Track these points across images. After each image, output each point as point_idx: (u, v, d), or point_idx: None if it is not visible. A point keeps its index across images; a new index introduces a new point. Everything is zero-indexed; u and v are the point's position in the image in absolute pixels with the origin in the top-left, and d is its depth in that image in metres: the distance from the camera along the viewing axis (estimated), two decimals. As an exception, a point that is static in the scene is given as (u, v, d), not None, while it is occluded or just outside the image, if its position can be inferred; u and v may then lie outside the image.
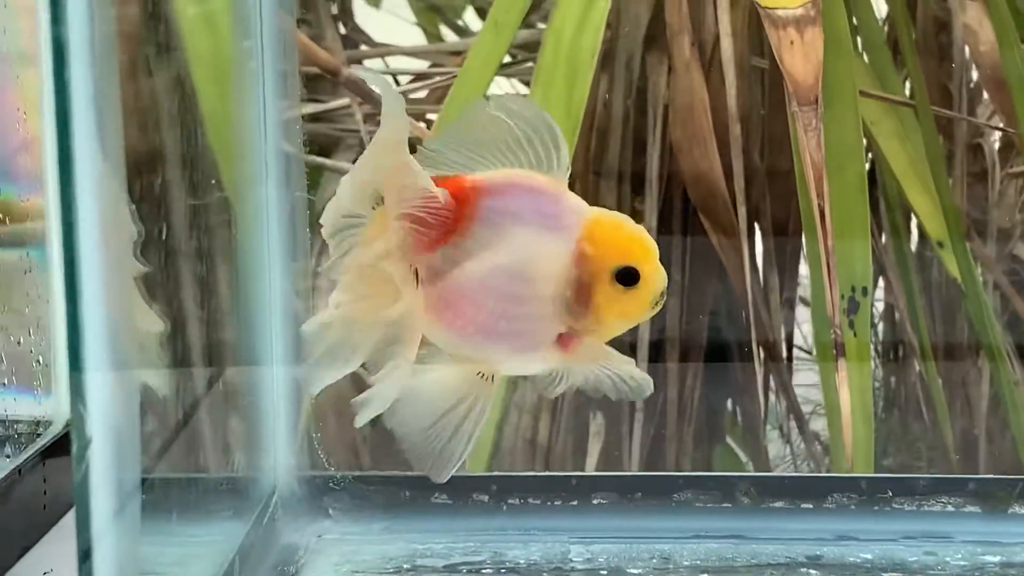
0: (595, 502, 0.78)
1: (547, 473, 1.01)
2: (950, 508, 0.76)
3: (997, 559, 0.73)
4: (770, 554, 0.75)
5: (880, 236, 1.41)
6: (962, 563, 0.73)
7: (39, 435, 0.82)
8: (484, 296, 0.58)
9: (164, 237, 0.64)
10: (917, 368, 1.42)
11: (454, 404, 0.59)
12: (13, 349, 0.80)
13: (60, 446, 0.84)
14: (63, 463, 0.85)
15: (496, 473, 0.81)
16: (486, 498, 0.77)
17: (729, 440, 1.36)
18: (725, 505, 0.77)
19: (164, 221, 0.64)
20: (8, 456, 0.78)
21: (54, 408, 0.85)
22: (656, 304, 0.59)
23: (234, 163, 0.77)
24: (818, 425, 1.39)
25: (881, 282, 1.46)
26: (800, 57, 1.05)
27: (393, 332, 0.58)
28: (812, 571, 0.73)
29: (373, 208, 0.57)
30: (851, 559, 0.74)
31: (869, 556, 0.74)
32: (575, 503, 0.78)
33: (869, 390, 1.14)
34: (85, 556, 0.53)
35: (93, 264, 0.50)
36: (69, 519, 0.84)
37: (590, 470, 1.20)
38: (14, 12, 0.82)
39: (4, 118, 0.83)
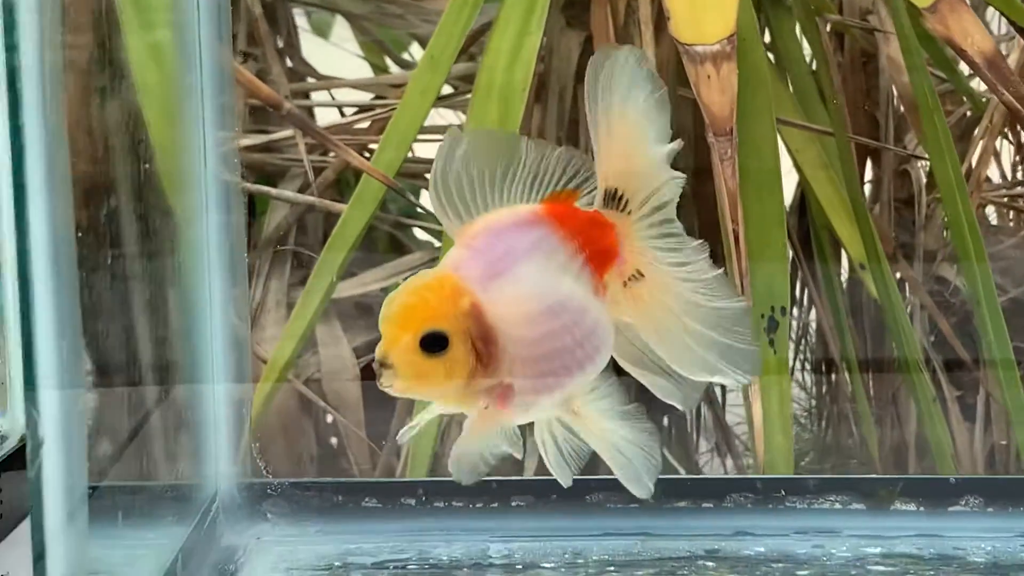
0: (513, 504, 0.87)
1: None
2: (837, 505, 0.86)
3: (878, 550, 0.83)
4: (673, 549, 0.84)
5: (812, 258, 1.51)
6: (846, 554, 0.82)
7: (-4, 448, 0.90)
8: None
9: (113, 261, 0.72)
10: (846, 384, 1.51)
11: None
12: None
13: (15, 459, 0.92)
14: (18, 476, 0.93)
15: (422, 479, 0.89)
16: (413, 501, 0.86)
17: (666, 453, 1.45)
18: (632, 505, 0.86)
19: (114, 246, 0.72)
20: (-34, 469, 0.86)
21: (10, 424, 0.93)
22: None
23: (179, 191, 0.85)
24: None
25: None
26: (716, 91, 1.14)
27: None
28: (710, 563, 0.82)
29: None
30: (746, 552, 0.83)
31: (762, 549, 0.83)
32: (495, 505, 0.87)
33: (788, 403, 1.23)
34: (39, 557, 0.61)
35: (45, 289, 0.59)
36: (24, 528, 0.92)
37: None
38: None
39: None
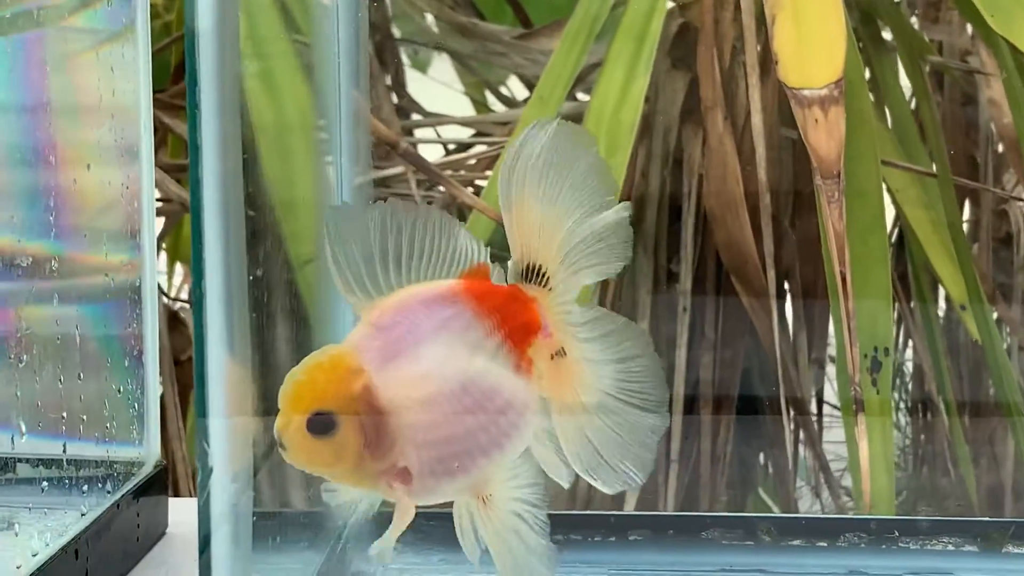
0: (631, 538, 0.90)
1: (588, 512, 1.13)
2: (950, 547, 0.88)
3: (991, 592, 0.85)
4: (788, 586, 0.87)
5: (909, 299, 1.53)
6: (960, 596, 0.85)
7: (133, 475, 0.96)
8: None
9: (269, 299, 0.77)
10: (943, 424, 1.53)
11: None
12: (115, 397, 0.94)
13: (151, 485, 0.97)
14: (154, 500, 0.98)
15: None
16: (532, 534, 0.89)
17: (761, 492, 1.47)
18: (748, 543, 0.89)
19: (262, 287, 0.77)
20: (109, 492, 0.92)
21: (146, 451, 0.98)
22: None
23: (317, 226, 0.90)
24: (847, 479, 1.50)
25: (911, 342, 1.57)
26: (824, 134, 1.17)
27: None
28: (824, 601, 0.85)
29: None
30: (860, 591, 0.86)
31: (876, 588, 0.86)
32: (613, 539, 0.90)
33: (891, 443, 1.26)
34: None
35: (218, 330, 0.63)
36: (159, 550, 0.97)
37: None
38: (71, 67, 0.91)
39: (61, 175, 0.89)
